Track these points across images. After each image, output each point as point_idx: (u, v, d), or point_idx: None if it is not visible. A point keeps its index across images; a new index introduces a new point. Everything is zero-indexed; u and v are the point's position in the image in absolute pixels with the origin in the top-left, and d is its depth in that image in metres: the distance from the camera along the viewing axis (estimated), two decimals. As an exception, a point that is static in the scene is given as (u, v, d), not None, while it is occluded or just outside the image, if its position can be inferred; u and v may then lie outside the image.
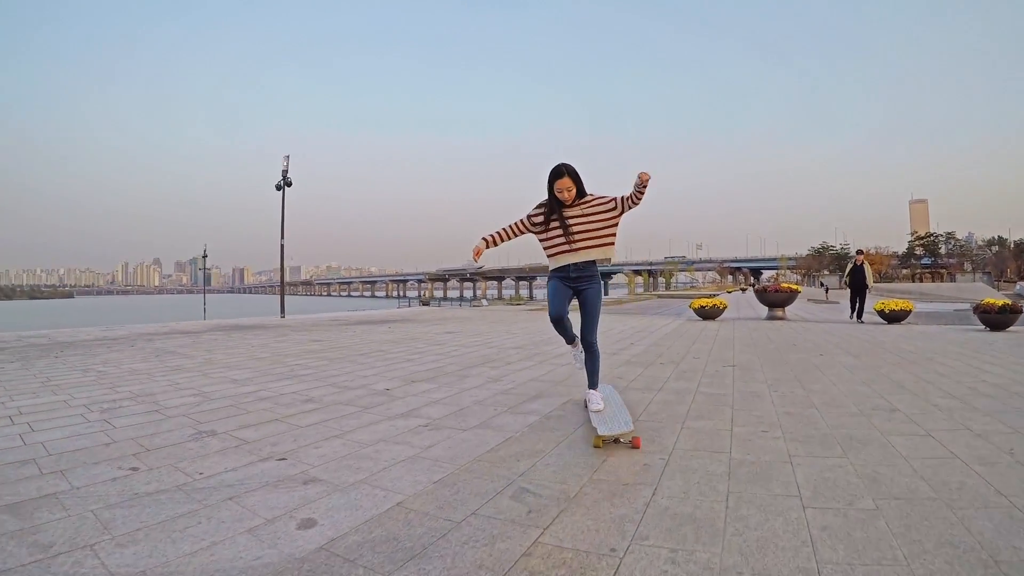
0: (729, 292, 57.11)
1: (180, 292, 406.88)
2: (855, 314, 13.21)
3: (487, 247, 3.43)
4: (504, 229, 3.51)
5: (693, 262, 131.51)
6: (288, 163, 20.59)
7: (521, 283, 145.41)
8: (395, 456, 2.85)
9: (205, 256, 45.03)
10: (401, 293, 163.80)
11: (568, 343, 3.84)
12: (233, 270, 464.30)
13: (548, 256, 3.49)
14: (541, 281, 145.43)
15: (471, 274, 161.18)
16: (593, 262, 3.44)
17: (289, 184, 20.40)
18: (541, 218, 3.41)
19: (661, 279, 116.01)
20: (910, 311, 12.81)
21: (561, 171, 3.28)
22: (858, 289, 13.33)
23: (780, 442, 3.00)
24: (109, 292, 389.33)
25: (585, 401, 3.68)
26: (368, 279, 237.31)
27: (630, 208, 3.30)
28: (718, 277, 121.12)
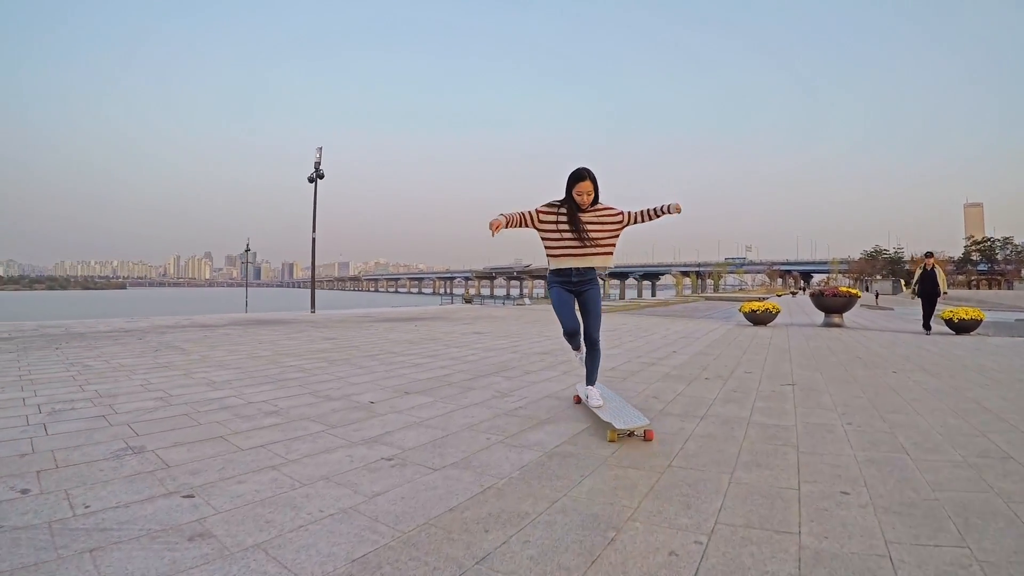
0: (779, 295, 55.55)
1: (230, 285, 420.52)
2: (925, 323, 11.86)
3: (505, 226, 3.32)
4: (520, 214, 3.41)
5: (742, 264, 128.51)
6: (321, 155, 20.23)
7: None
8: (326, 506, 2.14)
9: (247, 250, 45.75)
10: (448, 290, 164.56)
11: (575, 350, 3.83)
12: (283, 265, 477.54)
13: (553, 256, 3.52)
14: None
15: (517, 272, 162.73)
16: (593, 267, 3.54)
17: (321, 176, 20.11)
18: (552, 217, 3.43)
19: (709, 281, 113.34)
20: (981, 321, 11.41)
21: (583, 174, 3.35)
22: (928, 296, 11.98)
23: (868, 514, 2.13)
24: (160, 284, 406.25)
25: (577, 397, 4.12)
26: (416, 276, 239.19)
27: (634, 223, 3.51)
28: (767, 280, 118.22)
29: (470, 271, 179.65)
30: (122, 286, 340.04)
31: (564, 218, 3.39)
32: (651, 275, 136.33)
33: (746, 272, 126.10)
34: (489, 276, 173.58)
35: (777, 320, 13.51)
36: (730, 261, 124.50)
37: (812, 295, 14.04)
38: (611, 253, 3.50)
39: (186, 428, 3.31)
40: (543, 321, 13.33)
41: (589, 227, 3.40)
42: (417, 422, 3.48)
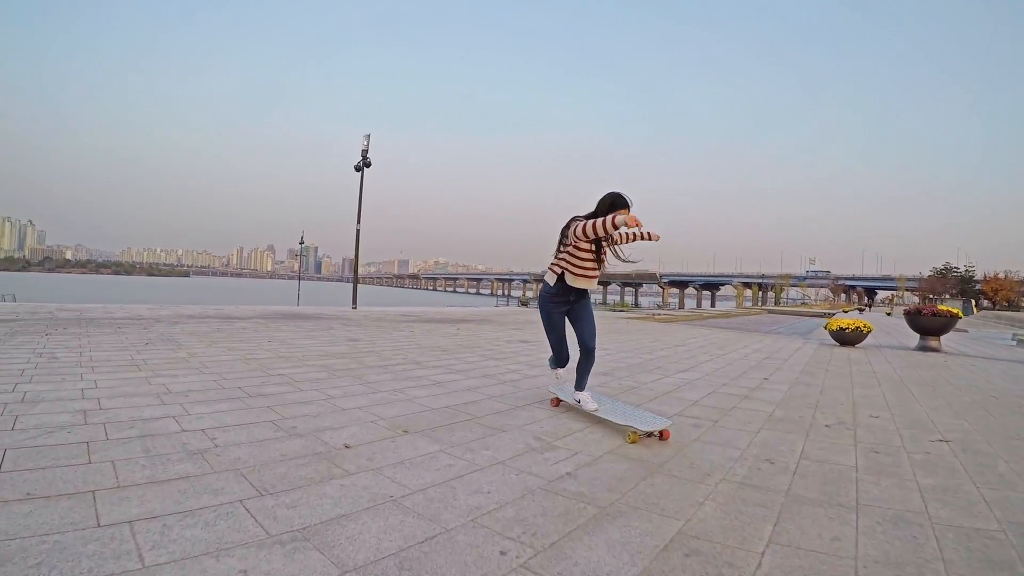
0: (845, 311, 53.10)
1: (291, 278, 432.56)
2: None
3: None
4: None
5: (805, 277, 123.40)
6: (368, 143, 19.10)
7: (627, 289, 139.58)
8: None
9: (302, 243, 45.98)
10: (506, 292, 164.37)
11: (560, 367, 4.03)
12: (343, 260, 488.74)
13: (574, 275, 3.52)
14: (647, 288, 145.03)
15: None
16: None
17: (368, 165, 18.96)
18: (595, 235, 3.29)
19: (770, 293, 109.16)
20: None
21: (629, 204, 3.31)
22: None
23: None
24: (223, 274, 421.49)
25: (555, 399, 4.07)
26: (474, 276, 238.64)
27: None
28: (830, 295, 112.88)
29: (528, 274, 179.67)
30: (185, 274, 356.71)
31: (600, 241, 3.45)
32: (711, 285, 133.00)
33: (809, 286, 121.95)
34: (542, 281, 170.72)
35: (866, 340, 11.75)
36: (789, 275, 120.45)
37: (907, 313, 12.27)
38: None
39: (57, 468, 2.27)
40: (601, 331, 11.87)
41: (607, 253, 3.54)
42: (395, 497, 2.20)
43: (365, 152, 19.03)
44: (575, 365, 3.79)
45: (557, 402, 4.06)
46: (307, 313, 12.98)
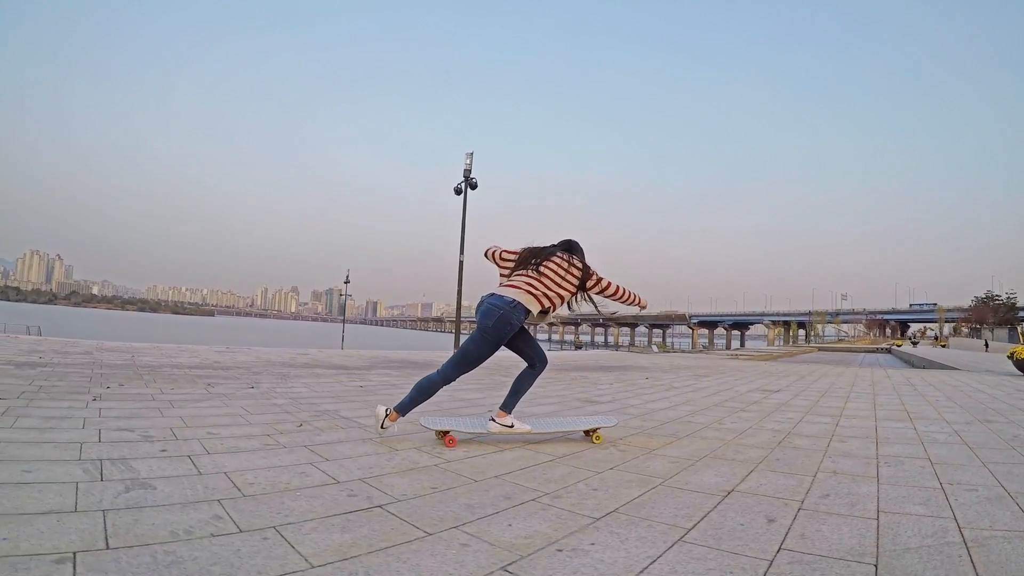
0: (898, 345, 55.34)
1: (315, 319, 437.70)
2: None
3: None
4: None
5: (838, 313, 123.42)
6: (471, 161, 17.28)
7: (655, 331, 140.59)
8: None
9: (347, 282, 43.63)
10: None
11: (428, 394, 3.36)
12: (367, 303, 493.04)
13: (556, 305, 3.48)
14: (677, 329, 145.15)
15: (603, 319, 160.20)
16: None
17: (474, 186, 17.20)
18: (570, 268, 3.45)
19: (801, 331, 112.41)
20: None
21: (582, 253, 3.58)
22: None
23: None
24: (247, 314, 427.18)
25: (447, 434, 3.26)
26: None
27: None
28: (865, 330, 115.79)
29: (554, 316, 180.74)
30: (210, 313, 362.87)
31: (575, 276, 3.43)
32: (741, 324, 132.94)
33: (844, 322, 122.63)
34: (574, 322, 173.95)
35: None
36: (824, 311, 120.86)
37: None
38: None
39: None
40: (690, 376, 8.41)
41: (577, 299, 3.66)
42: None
43: (468, 172, 17.31)
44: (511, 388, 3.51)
45: (453, 441, 3.19)
46: (418, 360, 9.98)
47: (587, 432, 3.50)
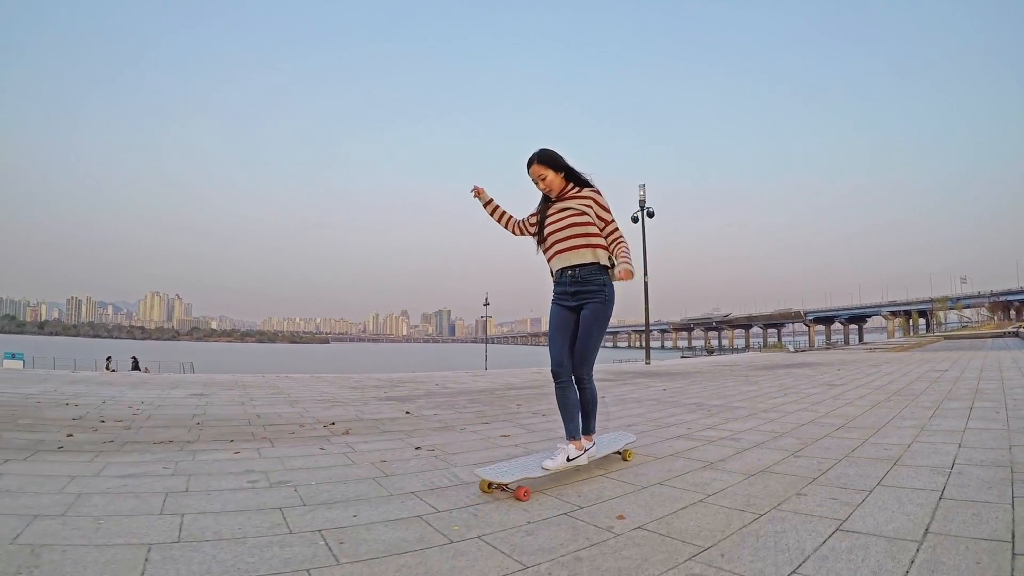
0: None
1: (426, 341, 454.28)
2: None
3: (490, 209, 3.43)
4: (508, 217, 3.42)
5: (959, 298, 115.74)
6: (645, 192, 20.34)
7: (769, 330, 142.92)
8: None
9: (487, 304, 46.35)
10: (641, 344, 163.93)
11: (569, 435, 3.04)
12: (475, 321, 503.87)
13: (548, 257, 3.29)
14: (792, 327, 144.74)
15: (717, 323, 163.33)
16: (594, 269, 3.06)
17: (651, 215, 20.07)
18: (535, 217, 3.32)
19: (921, 320, 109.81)
20: None
21: (530, 159, 3.19)
22: None
23: None
24: (361, 340, 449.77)
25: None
26: (611, 329, 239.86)
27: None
28: (988, 314, 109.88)
29: (666, 323, 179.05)
30: (325, 340, 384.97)
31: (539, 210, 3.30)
32: (858, 318, 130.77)
33: (965, 307, 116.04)
34: (687, 327, 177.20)
35: None
36: (946, 297, 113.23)
37: None
38: (584, 246, 3.05)
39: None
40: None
41: (551, 216, 3.18)
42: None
43: (643, 202, 20.36)
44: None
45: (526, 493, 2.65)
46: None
47: None
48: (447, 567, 1.83)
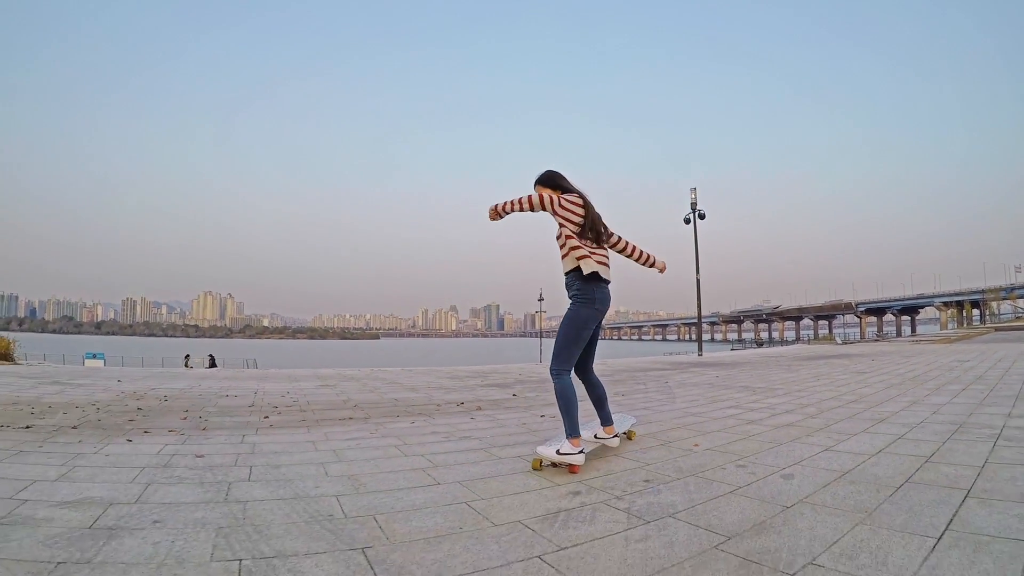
0: None
1: (475, 336, 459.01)
2: None
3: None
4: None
5: (1013, 288, 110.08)
6: (696, 195, 21.40)
7: (820, 322, 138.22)
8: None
9: (541, 299, 47.77)
10: (691, 336, 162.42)
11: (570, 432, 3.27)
12: (524, 316, 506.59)
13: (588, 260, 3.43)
14: (843, 320, 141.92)
15: (767, 315, 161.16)
16: (570, 273, 3.42)
17: (702, 217, 21.17)
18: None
19: (977, 311, 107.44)
20: None
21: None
22: None
23: None
24: (411, 335, 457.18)
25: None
26: (659, 323, 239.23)
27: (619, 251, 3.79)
28: None
29: (716, 315, 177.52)
30: (375, 336, 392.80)
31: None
32: (910, 308, 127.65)
33: (1019, 296, 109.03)
34: (736, 320, 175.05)
35: None
36: (999, 287, 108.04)
37: None
38: (565, 255, 3.41)
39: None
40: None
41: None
42: None
43: (694, 205, 21.44)
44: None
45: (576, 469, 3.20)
46: (642, 366, 12.79)
47: None
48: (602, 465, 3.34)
